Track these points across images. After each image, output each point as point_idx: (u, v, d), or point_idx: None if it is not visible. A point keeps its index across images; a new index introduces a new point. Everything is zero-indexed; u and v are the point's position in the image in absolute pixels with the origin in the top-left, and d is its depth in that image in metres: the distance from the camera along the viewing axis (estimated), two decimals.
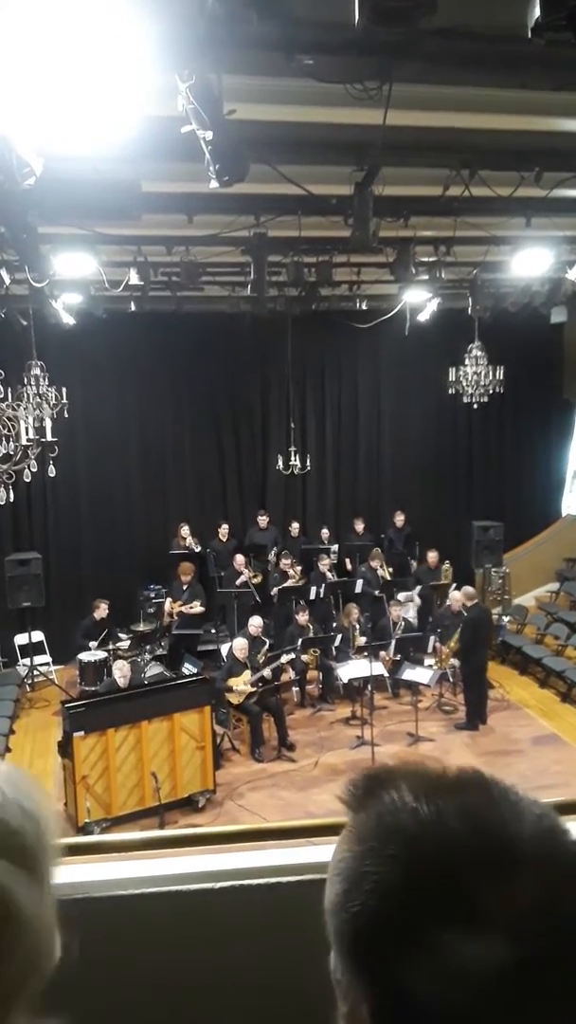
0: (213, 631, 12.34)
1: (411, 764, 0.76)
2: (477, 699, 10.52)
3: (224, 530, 13.30)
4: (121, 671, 9.58)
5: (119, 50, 2.86)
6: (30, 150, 3.76)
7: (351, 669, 10.54)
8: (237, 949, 1.54)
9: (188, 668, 10.41)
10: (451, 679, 11.37)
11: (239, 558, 12.59)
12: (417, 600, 12.46)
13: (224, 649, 10.97)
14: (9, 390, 7.57)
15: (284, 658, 10.48)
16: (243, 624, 11.05)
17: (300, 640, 11.05)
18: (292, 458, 12.52)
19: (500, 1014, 0.61)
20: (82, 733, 8.25)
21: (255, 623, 10.68)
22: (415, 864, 0.66)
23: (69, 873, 1.60)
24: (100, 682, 10.73)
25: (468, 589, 11.03)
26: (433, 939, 0.63)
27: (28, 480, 7.76)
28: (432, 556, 12.99)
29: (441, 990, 0.62)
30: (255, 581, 12.52)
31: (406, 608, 12.28)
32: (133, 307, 10.25)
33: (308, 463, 13.22)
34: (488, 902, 0.63)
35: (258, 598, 12.29)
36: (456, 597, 11.28)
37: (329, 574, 12.67)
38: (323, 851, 1.70)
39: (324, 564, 12.67)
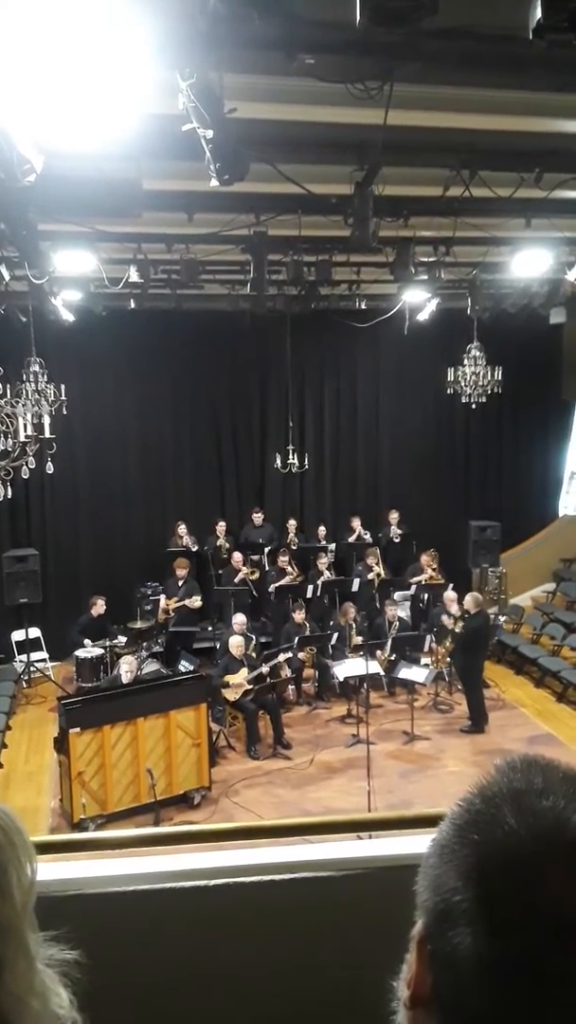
0: (210, 629, 12.35)
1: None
2: (478, 702, 10.51)
3: (221, 527, 13.30)
4: (128, 665, 9.55)
5: (120, 47, 2.86)
6: (31, 147, 3.76)
7: (347, 667, 10.55)
8: (231, 946, 1.54)
9: (184, 665, 10.42)
10: (447, 678, 11.38)
11: (237, 556, 12.60)
12: (402, 604, 12.44)
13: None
14: (8, 386, 7.57)
15: (281, 656, 10.49)
16: None
17: (297, 638, 11.06)
18: (290, 456, 12.52)
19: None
20: (78, 729, 8.25)
21: (238, 620, 10.66)
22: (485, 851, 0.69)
23: (64, 869, 1.60)
24: (97, 679, 10.75)
25: (476, 596, 10.98)
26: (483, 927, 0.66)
27: (26, 477, 7.75)
28: (424, 558, 12.97)
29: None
30: (252, 577, 12.53)
31: (401, 607, 12.29)
32: (132, 304, 10.23)
33: (306, 462, 13.22)
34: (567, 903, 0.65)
35: (255, 592, 12.33)
36: (451, 597, 11.27)
37: (327, 572, 12.66)
38: (318, 849, 1.71)
39: (322, 562, 12.66)
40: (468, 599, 10.78)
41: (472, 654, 10.56)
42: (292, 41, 3.34)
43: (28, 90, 3.02)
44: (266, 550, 13.16)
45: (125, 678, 9.41)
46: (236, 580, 12.33)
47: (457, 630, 10.66)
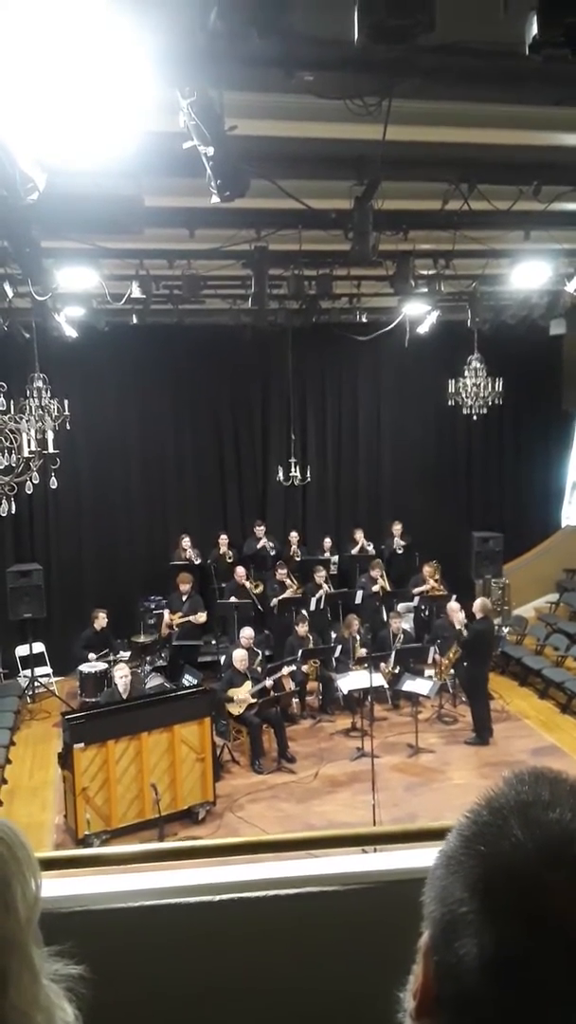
0: (213, 642, 12.33)
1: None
2: (482, 713, 10.48)
3: (223, 540, 13.30)
4: (122, 672, 9.53)
5: (121, 66, 2.89)
6: (33, 165, 3.79)
7: (351, 680, 10.52)
8: (237, 961, 1.54)
9: (188, 679, 10.40)
10: (451, 690, 11.35)
11: (240, 570, 12.59)
12: (406, 616, 12.41)
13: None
14: (11, 402, 7.60)
15: (285, 669, 10.47)
16: None
17: (300, 651, 11.03)
18: (292, 469, 12.53)
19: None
20: (82, 745, 8.23)
21: (246, 634, 10.66)
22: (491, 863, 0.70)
23: (68, 886, 1.60)
24: (100, 693, 10.72)
25: (485, 602, 10.93)
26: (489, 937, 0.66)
27: (30, 492, 7.77)
28: (427, 569, 12.96)
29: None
30: (256, 591, 12.52)
31: (405, 619, 12.26)
32: (135, 320, 10.29)
33: (308, 474, 13.23)
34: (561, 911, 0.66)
35: (260, 606, 12.30)
36: (454, 608, 11.25)
37: (325, 586, 12.62)
38: (323, 863, 1.70)
39: (320, 576, 12.60)
40: (476, 604, 10.79)
41: (476, 662, 10.52)
42: (291, 58, 3.37)
43: (30, 108, 3.05)
44: (270, 562, 13.15)
45: (121, 685, 9.40)
46: (239, 594, 12.31)
47: (464, 632, 10.65)
